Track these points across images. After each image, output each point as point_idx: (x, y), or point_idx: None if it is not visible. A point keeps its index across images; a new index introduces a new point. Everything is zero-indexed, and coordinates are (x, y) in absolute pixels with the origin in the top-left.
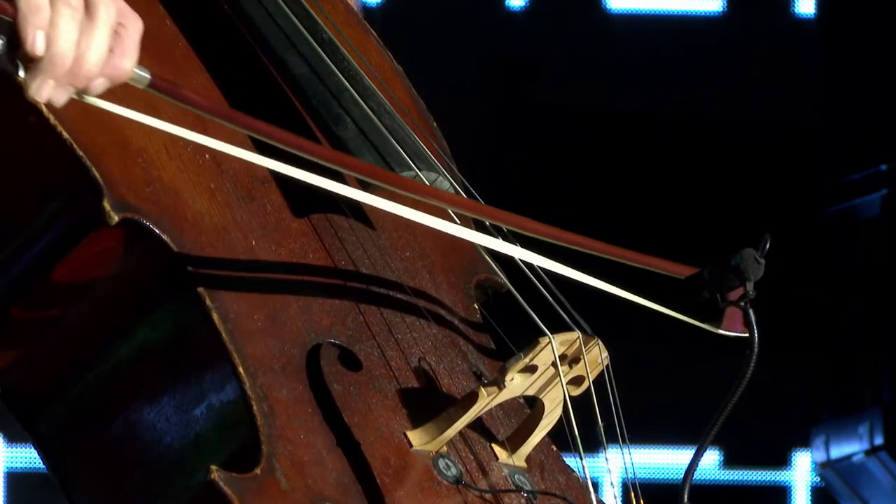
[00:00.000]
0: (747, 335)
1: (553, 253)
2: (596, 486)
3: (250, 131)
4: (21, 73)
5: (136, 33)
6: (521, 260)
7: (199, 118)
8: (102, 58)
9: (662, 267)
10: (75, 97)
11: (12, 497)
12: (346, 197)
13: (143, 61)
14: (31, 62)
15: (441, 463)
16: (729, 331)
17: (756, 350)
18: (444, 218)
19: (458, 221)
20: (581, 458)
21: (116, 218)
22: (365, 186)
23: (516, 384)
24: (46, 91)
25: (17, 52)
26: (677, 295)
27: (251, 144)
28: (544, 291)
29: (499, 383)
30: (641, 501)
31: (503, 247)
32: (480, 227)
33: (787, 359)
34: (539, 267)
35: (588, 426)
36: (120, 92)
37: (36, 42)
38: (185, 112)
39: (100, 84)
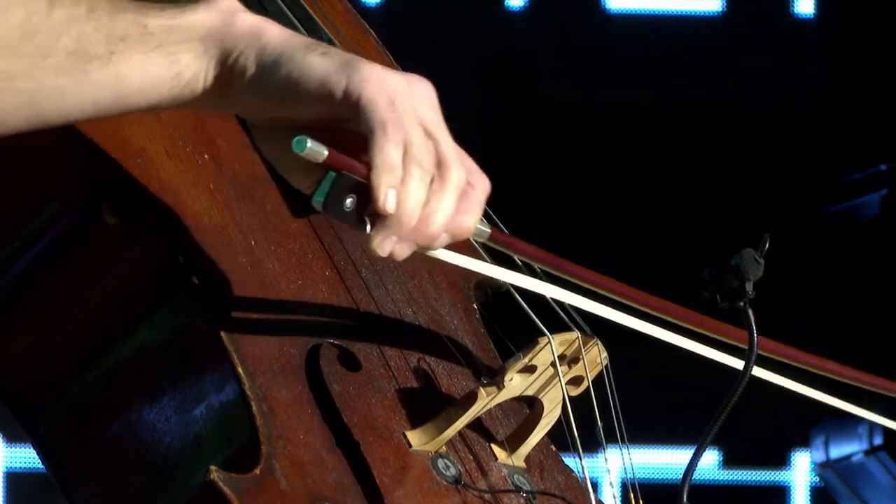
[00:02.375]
0: None
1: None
2: (595, 486)
3: (579, 280)
4: (367, 229)
5: (483, 193)
6: (551, 299)
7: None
8: (448, 219)
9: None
10: (417, 250)
11: (12, 497)
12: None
13: None
14: (378, 219)
15: (440, 463)
16: None
17: (755, 350)
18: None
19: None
20: (580, 459)
21: (116, 218)
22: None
23: (515, 384)
24: (389, 245)
25: (367, 209)
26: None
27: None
28: (549, 298)
29: (498, 383)
30: (640, 501)
31: (533, 284)
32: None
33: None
34: (569, 304)
35: (587, 426)
36: None
37: (387, 200)
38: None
39: (443, 240)
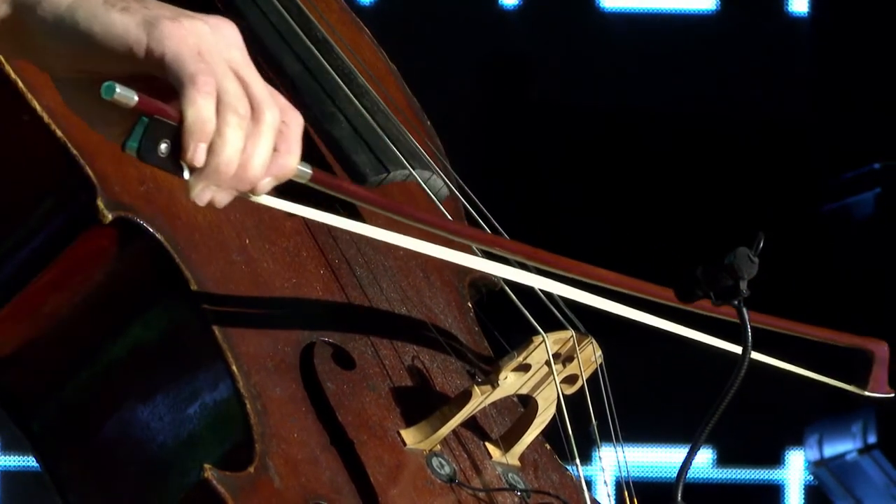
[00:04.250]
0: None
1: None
2: (589, 484)
3: (410, 220)
4: (185, 175)
5: (298, 128)
6: (540, 290)
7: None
8: (267, 161)
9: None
10: (240, 196)
11: (7, 496)
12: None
13: None
14: (195, 168)
15: (434, 461)
16: (875, 393)
17: (750, 349)
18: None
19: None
20: (575, 457)
21: (110, 216)
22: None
23: (510, 383)
24: (209, 195)
25: (181, 157)
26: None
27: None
28: (538, 290)
29: (492, 382)
30: (635, 500)
31: (519, 275)
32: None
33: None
34: (556, 294)
35: (581, 425)
36: None
37: (196, 155)
38: None
39: (266, 184)
